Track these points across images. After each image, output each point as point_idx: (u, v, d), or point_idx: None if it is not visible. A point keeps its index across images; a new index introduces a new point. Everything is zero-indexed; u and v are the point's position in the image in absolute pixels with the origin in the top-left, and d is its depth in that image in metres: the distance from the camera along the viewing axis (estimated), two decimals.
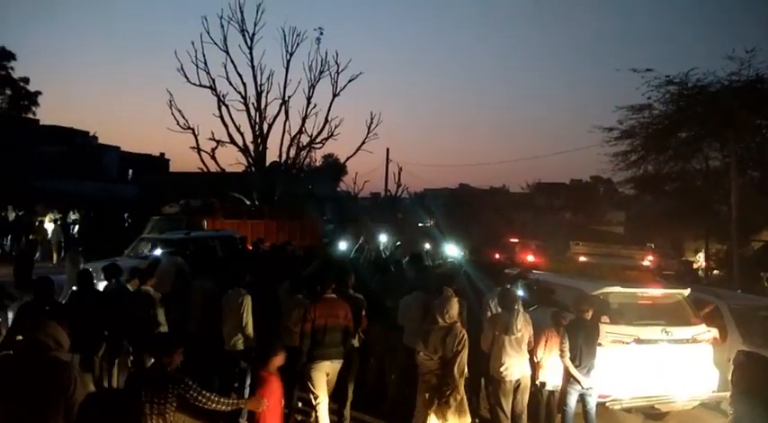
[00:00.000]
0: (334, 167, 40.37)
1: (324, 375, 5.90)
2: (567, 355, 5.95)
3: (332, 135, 26.52)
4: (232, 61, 24.79)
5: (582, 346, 5.97)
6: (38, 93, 30.74)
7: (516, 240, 26.93)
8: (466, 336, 5.28)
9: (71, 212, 24.54)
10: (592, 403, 6.01)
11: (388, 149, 37.39)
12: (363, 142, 27.23)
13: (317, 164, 34.93)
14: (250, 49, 25.04)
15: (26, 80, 30.18)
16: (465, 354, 5.19)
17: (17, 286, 10.67)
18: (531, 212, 43.71)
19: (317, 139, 26.57)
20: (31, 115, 31.22)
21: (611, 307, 6.87)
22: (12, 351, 3.57)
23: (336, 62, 26.27)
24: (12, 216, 20.10)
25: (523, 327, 6.05)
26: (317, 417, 5.90)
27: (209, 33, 24.19)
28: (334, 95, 26.32)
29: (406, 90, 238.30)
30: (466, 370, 5.31)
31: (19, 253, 16.15)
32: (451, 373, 5.13)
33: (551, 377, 6.39)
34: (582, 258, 18.95)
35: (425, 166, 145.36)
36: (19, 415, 3.16)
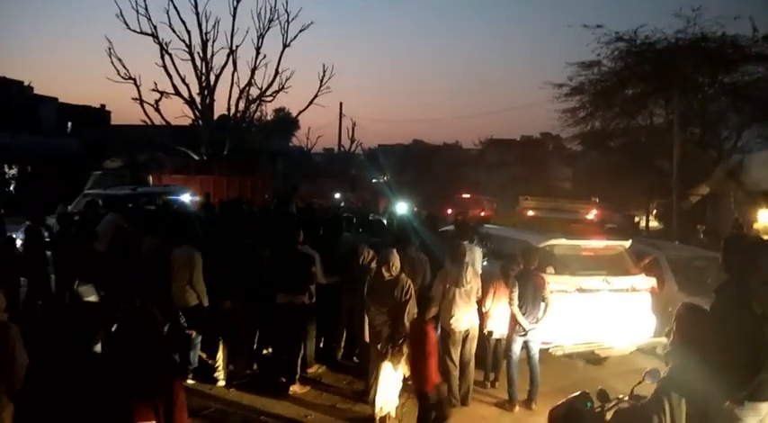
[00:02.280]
0: (286, 122, 39.44)
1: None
2: (516, 302, 6.11)
3: (283, 88, 25.91)
4: (175, 7, 23.62)
5: (530, 296, 6.15)
6: None
7: (468, 196, 27.32)
8: (412, 285, 5.43)
9: (6, 167, 23.35)
10: (535, 349, 6.22)
11: (341, 104, 36.81)
12: (316, 96, 26.71)
13: (268, 118, 34.16)
14: None
15: None
16: (413, 303, 5.31)
17: None
18: (483, 168, 44.22)
19: (268, 92, 25.93)
20: None
21: (557, 258, 7.07)
22: None
23: (286, 10, 25.49)
24: None
25: (472, 279, 6.18)
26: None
27: None
28: (285, 46, 25.57)
29: (359, 43, 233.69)
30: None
31: None
32: (402, 322, 5.24)
33: (498, 326, 6.57)
34: (530, 212, 19.40)
35: (380, 121, 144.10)
36: None
